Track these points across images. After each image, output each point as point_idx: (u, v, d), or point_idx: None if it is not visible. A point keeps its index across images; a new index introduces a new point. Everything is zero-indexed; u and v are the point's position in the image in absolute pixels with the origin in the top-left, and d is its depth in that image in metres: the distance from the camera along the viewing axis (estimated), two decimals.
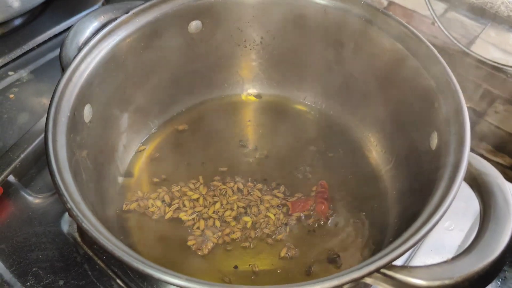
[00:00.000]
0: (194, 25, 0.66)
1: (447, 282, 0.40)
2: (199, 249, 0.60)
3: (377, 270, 0.39)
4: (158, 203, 0.64)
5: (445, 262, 0.42)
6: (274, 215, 0.63)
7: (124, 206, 0.64)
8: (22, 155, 0.69)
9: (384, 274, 0.41)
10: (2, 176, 0.67)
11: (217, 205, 0.64)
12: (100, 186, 0.59)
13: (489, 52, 0.88)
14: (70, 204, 0.42)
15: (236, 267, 0.59)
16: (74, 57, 0.54)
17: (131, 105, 0.67)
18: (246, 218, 0.63)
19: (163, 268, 0.39)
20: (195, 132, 0.74)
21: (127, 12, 0.60)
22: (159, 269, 0.38)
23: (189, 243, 0.61)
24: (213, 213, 0.64)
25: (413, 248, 0.66)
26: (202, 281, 0.37)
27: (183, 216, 0.63)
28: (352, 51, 0.67)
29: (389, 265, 0.40)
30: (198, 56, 0.71)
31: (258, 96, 0.79)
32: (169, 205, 0.64)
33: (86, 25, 0.61)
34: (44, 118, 0.72)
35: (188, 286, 0.38)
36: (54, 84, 0.84)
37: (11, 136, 0.77)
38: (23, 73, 0.88)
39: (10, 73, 0.88)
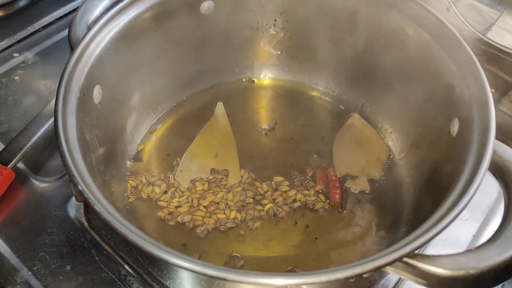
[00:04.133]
0: (206, 5, 0.64)
1: (472, 271, 0.38)
2: (171, 220, 0.60)
3: (400, 259, 0.38)
4: (157, 189, 0.64)
5: (469, 251, 0.40)
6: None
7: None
8: (33, 139, 0.68)
9: (406, 263, 0.39)
10: (14, 161, 0.66)
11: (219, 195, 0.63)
12: (109, 168, 0.57)
13: (505, 39, 0.86)
14: (82, 186, 0.40)
15: (184, 244, 0.59)
16: (84, 36, 0.53)
17: (141, 88, 0.65)
18: (233, 214, 0.62)
19: (177, 253, 0.38)
20: (206, 117, 0.72)
21: None
22: (174, 253, 0.37)
23: (160, 213, 0.61)
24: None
25: None
26: (220, 267, 0.36)
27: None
28: (368, 35, 0.65)
29: (411, 254, 0.39)
30: (209, 39, 0.69)
31: (270, 80, 0.77)
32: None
33: (95, 4, 0.59)
34: (52, 102, 0.72)
35: (204, 271, 0.36)
36: (59, 67, 0.81)
37: (16, 118, 0.76)
38: (28, 55, 0.87)
39: (15, 54, 0.86)
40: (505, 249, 0.39)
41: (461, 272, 0.38)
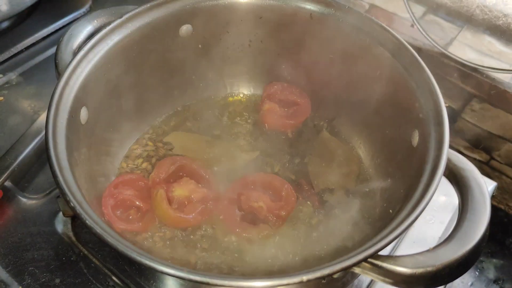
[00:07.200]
0: (185, 29, 0.68)
1: (429, 269, 0.43)
2: None
3: (365, 259, 0.42)
4: None
5: (427, 251, 0.45)
6: None
7: None
8: (20, 158, 0.70)
9: (372, 263, 0.44)
10: (2, 180, 0.68)
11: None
12: (96, 185, 0.60)
13: (465, 53, 0.92)
14: (74, 203, 0.43)
15: None
16: (70, 62, 0.56)
17: (125, 107, 0.68)
18: None
19: (163, 261, 0.41)
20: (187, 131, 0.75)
21: (120, 17, 0.61)
22: (161, 262, 0.40)
23: None
24: None
25: (397, 240, 0.69)
26: (203, 273, 0.40)
27: None
28: (337, 54, 0.69)
29: (375, 255, 0.43)
30: (189, 59, 0.73)
31: (246, 97, 0.81)
32: None
33: (80, 30, 0.62)
34: (38, 121, 0.75)
35: (189, 277, 0.40)
36: (43, 86, 0.85)
37: (2, 138, 0.78)
38: (12, 76, 0.88)
39: None
40: (459, 248, 0.44)
41: (420, 270, 0.43)
